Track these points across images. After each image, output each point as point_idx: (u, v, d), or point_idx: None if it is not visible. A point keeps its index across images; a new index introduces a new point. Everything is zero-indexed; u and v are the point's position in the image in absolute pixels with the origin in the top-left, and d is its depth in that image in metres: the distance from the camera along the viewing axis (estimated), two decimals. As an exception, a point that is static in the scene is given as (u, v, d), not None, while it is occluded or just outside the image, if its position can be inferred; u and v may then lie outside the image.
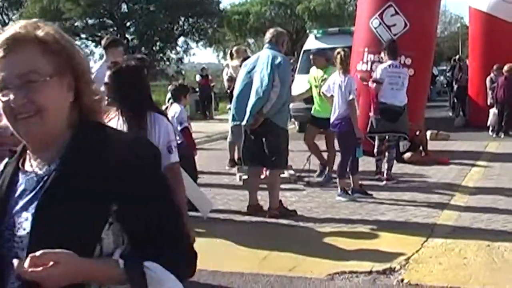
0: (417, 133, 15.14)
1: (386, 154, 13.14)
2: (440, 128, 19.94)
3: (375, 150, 13.52)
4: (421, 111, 16.20)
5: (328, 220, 9.85)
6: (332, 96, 11.64)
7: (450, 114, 28.00)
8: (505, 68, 20.97)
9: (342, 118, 11.28)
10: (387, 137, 13.09)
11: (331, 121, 11.54)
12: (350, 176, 11.47)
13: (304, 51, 24.13)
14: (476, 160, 15.13)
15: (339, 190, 11.40)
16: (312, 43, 24.18)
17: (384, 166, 13.07)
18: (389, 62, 13.18)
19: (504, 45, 22.89)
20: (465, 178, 13.15)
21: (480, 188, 12.10)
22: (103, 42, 11.24)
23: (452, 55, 42.67)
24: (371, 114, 13.09)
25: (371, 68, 15.34)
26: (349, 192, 11.35)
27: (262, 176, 10.80)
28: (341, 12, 59.57)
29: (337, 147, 12.35)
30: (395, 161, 13.49)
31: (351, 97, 11.18)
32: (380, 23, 15.77)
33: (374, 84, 13.11)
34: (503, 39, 22.88)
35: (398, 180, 12.97)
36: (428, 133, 18.57)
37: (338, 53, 11.53)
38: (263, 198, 10.50)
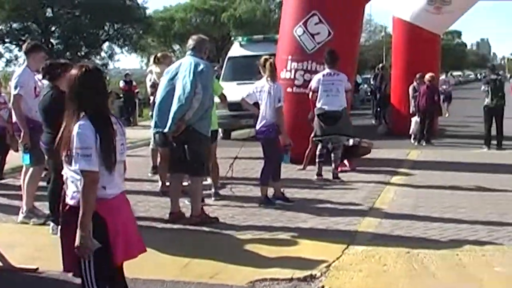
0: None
1: (332, 155, 13.90)
2: (364, 135, 20.13)
3: (317, 153, 14.07)
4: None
5: (249, 227, 9.83)
6: (255, 103, 11.71)
7: (373, 122, 28.29)
8: (427, 77, 21.35)
9: (269, 125, 11.35)
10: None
11: (258, 127, 11.55)
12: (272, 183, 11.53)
13: (229, 58, 24.17)
14: (398, 168, 15.34)
15: (263, 195, 11.43)
16: (236, 50, 24.26)
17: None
18: (325, 71, 13.93)
19: (427, 54, 23.32)
20: (387, 185, 13.29)
21: (401, 195, 12.26)
22: (24, 47, 11.08)
23: (377, 63, 43.21)
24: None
25: (294, 76, 15.44)
26: (271, 199, 11.39)
27: (185, 183, 10.74)
28: (267, 19, 59.75)
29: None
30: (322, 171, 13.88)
31: (279, 104, 11.27)
32: (304, 31, 15.86)
33: (311, 93, 13.84)
34: (425, 48, 23.31)
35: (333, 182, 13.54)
36: (351, 141, 18.73)
37: (267, 60, 11.61)
38: (185, 205, 10.45)
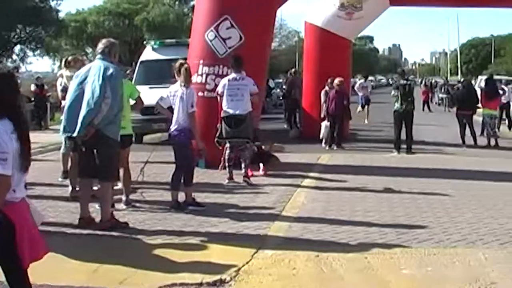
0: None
1: (241, 156, 14.19)
2: (276, 140, 20.24)
3: (226, 157, 14.21)
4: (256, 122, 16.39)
5: (159, 232, 9.77)
6: (169, 107, 11.72)
7: (285, 126, 28.45)
8: (336, 82, 21.60)
9: (182, 130, 11.37)
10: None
11: (171, 131, 11.54)
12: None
13: (141, 62, 24.01)
14: (309, 172, 15.46)
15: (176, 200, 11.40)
16: (149, 54, 24.13)
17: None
18: (231, 75, 14.15)
19: (338, 59, 23.61)
20: (297, 189, 13.38)
21: (311, 199, 12.37)
22: None
23: (290, 68, 43.51)
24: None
25: (205, 80, 15.43)
26: (182, 205, 11.37)
27: (95, 188, 10.64)
28: (180, 23, 59.59)
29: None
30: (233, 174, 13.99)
31: (192, 109, 11.30)
32: (215, 36, 15.87)
33: (219, 97, 14.13)
34: (336, 54, 23.63)
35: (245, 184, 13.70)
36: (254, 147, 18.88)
37: (182, 64, 11.65)
38: (95, 210, 10.34)
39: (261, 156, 15.60)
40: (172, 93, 11.69)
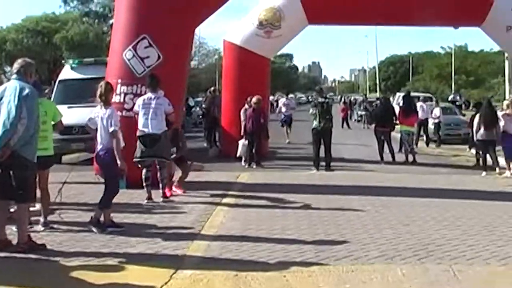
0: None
1: (159, 175, 14.09)
2: (195, 159, 20.23)
3: (143, 176, 14.16)
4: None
5: (78, 253, 9.63)
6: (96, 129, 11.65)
7: (205, 144, 28.43)
8: (253, 100, 21.69)
9: (106, 150, 11.33)
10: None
11: (96, 152, 11.48)
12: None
13: (59, 81, 23.76)
14: (228, 191, 15.44)
15: (95, 219, 11.24)
16: (67, 73, 23.90)
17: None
18: (147, 95, 14.24)
19: (257, 78, 23.74)
20: (216, 208, 13.35)
21: (230, 218, 12.35)
22: None
23: (209, 86, 43.59)
24: None
25: (124, 99, 15.34)
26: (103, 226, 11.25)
27: (12, 210, 10.47)
28: (100, 42, 59.27)
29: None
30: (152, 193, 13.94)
31: (112, 129, 11.24)
32: (133, 55, 15.79)
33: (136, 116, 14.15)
34: (255, 72, 23.76)
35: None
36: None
37: (101, 86, 11.63)
38: (12, 233, 10.16)
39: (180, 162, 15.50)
40: (95, 113, 11.66)
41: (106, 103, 11.60)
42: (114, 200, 11.75)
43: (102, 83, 11.97)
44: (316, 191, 15.56)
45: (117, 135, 11.36)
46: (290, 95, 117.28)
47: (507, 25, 24.20)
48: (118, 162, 11.31)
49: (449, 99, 57.53)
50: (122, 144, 11.65)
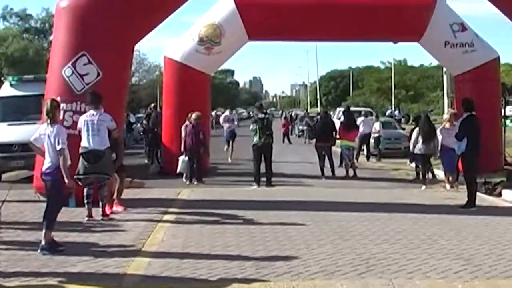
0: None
1: (99, 193, 14.00)
2: (136, 175, 20.16)
3: (84, 193, 14.00)
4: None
5: (17, 274, 9.47)
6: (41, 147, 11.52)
7: (146, 161, 28.29)
8: (193, 116, 21.70)
9: (54, 168, 11.15)
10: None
11: (43, 170, 11.36)
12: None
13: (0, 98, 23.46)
14: (169, 208, 15.38)
15: (43, 242, 11.03)
16: (7, 90, 23.64)
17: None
18: (89, 112, 14.20)
19: (197, 94, 23.77)
20: (157, 225, 13.28)
21: (171, 235, 12.28)
22: None
23: (150, 102, 43.47)
24: None
25: (63, 117, 15.18)
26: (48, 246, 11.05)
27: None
28: (39, 58, 58.79)
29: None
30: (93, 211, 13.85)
31: (59, 147, 11.10)
32: (73, 72, 15.70)
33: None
34: (196, 88, 23.79)
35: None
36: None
37: (47, 103, 11.52)
38: None
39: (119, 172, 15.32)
40: (42, 131, 11.48)
41: (53, 120, 11.45)
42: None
43: (48, 100, 11.81)
44: (257, 207, 15.57)
45: (64, 153, 11.22)
46: (233, 111, 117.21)
47: (445, 40, 24.62)
48: (66, 180, 11.18)
49: (387, 114, 58.18)
50: (69, 162, 11.52)
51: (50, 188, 11.37)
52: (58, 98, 15.12)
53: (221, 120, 35.76)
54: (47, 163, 11.32)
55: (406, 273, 9.48)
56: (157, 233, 12.53)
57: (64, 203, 11.66)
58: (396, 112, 67.27)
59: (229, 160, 30.90)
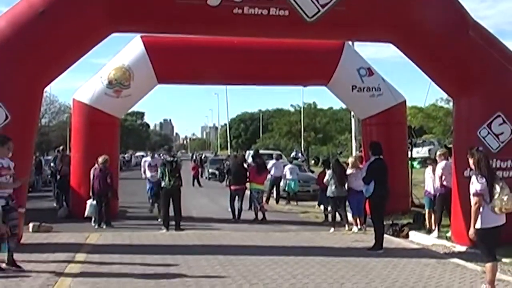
0: None
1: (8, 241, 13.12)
2: (44, 219, 19.87)
3: None
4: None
5: None
6: None
7: (55, 204, 27.83)
8: (100, 160, 21.63)
9: None
10: None
11: None
12: None
13: None
14: (77, 252, 15.14)
15: None
16: None
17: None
18: None
19: (106, 137, 23.63)
20: (65, 272, 13.04)
21: (78, 282, 12.05)
22: None
23: (60, 144, 42.95)
24: None
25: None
26: None
27: None
28: None
29: None
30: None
31: None
32: (-21, 115, 15.44)
33: None
34: (105, 131, 23.66)
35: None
36: (31, 225, 18.50)
37: None
38: None
39: None
40: None
41: None
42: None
43: None
44: (165, 252, 15.53)
45: None
46: (140, 153, 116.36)
47: (352, 84, 25.09)
48: None
49: (291, 155, 58.80)
50: None
51: None
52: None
53: (144, 166, 29.11)
54: None
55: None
56: (65, 280, 12.25)
57: None
58: (299, 154, 67.82)
59: (159, 220, 22.70)
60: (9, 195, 12.75)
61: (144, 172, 28.41)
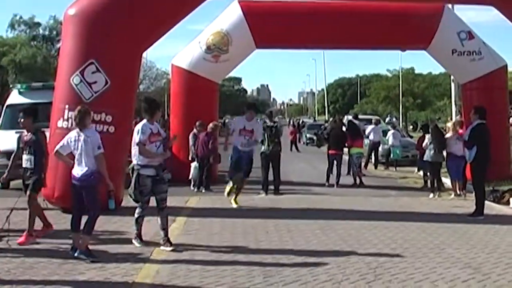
0: None
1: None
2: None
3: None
4: (121, 170, 16.17)
5: (26, 282, 9.47)
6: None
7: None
8: (210, 125, 21.75)
9: (91, 173, 11.11)
10: None
11: (78, 176, 11.20)
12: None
13: (7, 106, 23.48)
14: (177, 216, 15.30)
15: (80, 247, 11.01)
16: (15, 98, 23.59)
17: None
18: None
19: (205, 102, 23.77)
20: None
21: (179, 244, 12.18)
22: None
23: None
24: None
25: (71, 126, 15.16)
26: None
27: None
28: (47, 66, 58.84)
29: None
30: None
31: (99, 151, 11.11)
32: (81, 80, 15.73)
33: None
34: (204, 96, 23.79)
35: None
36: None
37: (78, 110, 11.47)
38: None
39: None
40: (73, 138, 11.37)
41: (84, 126, 11.38)
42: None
43: (78, 107, 11.71)
44: (265, 215, 15.61)
45: (102, 157, 11.20)
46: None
47: (452, 48, 24.61)
48: (108, 182, 11.15)
49: (386, 121, 57.99)
50: None
51: (87, 194, 11.18)
52: (67, 106, 15.37)
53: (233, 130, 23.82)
54: (81, 169, 11.20)
55: (414, 282, 9.48)
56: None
57: (103, 207, 11.50)
58: (394, 119, 66.79)
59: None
60: (160, 164, 12.12)
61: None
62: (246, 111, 18.40)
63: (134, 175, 12.01)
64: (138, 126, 11.97)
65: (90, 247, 11.32)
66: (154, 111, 12.23)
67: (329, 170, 24.42)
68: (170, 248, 11.66)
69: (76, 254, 10.95)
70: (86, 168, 11.16)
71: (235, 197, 17.73)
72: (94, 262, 10.64)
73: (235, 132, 17.95)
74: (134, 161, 11.96)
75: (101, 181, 11.30)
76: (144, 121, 11.96)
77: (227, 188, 17.76)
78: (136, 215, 12.17)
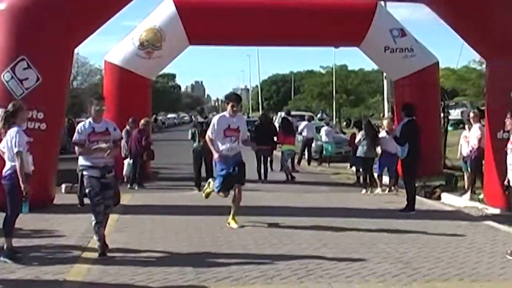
0: None
1: None
2: (77, 180, 19.90)
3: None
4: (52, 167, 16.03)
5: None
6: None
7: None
8: (142, 121, 21.66)
9: (12, 171, 10.81)
10: None
11: (3, 174, 10.98)
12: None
13: None
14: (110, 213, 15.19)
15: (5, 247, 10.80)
16: None
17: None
18: None
19: (138, 98, 23.66)
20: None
21: (111, 241, 12.00)
22: None
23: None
24: None
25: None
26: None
27: None
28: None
29: None
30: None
31: (16, 149, 10.70)
32: (12, 77, 15.52)
33: None
34: (136, 92, 23.65)
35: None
36: (63, 186, 18.65)
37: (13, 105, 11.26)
38: None
39: None
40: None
41: (11, 124, 11.09)
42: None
43: (10, 104, 11.47)
44: (197, 212, 15.62)
45: (21, 156, 10.80)
46: (172, 115, 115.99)
47: (385, 45, 24.90)
48: (22, 185, 10.86)
49: (317, 117, 58.49)
50: (32, 167, 11.21)
51: (7, 193, 10.93)
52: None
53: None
54: (6, 167, 10.98)
55: (345, 277, 9.59)
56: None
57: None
58: (324, 115, 67.01)
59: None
60: (105, 165, 11.31)
61: None
62: (227, 105, 14.70)
63: (79, 177, 11.84)
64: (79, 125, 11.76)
65: (19, 244, 11.22)
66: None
67: (259, 167, 24.49)
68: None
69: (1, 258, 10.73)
70: (9, 167, 10.97)
71: (233, 217, 14.27)
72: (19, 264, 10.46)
73: (218, 135, 14.42)
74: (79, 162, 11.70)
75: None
76: (88, 119, 11.64)
77: (207, 189, 15.56)
78: (92, 223, 11.45)
